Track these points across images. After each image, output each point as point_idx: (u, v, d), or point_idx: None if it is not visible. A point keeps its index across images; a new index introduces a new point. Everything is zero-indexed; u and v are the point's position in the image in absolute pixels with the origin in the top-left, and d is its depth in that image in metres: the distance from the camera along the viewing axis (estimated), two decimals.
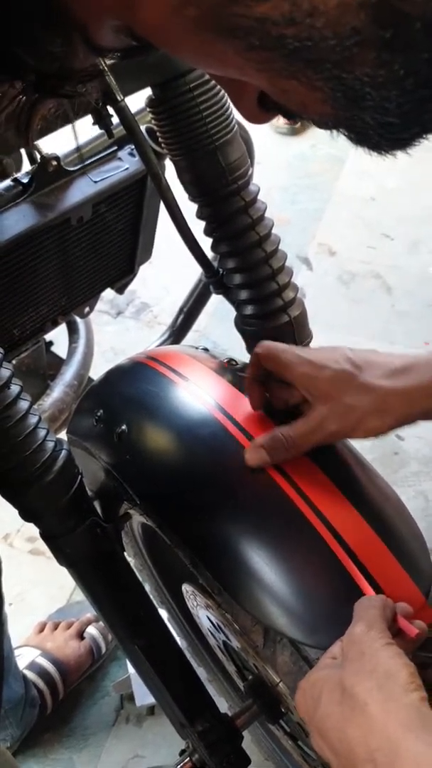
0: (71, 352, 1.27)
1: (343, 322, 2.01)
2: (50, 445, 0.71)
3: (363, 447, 1.66)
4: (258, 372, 0.70)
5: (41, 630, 1.43)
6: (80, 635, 1.41)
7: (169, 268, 2.04)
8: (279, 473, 0.68)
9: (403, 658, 0.51)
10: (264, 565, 0.64)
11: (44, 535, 0.75)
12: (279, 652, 0.69)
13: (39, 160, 0.81)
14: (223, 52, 0.37)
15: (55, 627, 1.42)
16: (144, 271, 1.15)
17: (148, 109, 0.72)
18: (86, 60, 0.43)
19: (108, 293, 1.09)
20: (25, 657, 1.36)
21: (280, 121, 2.67)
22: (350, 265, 2.19)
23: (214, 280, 0.81)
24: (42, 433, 0.71)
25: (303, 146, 2.65)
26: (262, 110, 0.42)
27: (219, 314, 1.95)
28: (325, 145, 2.65)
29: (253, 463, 0.67)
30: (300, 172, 2.55)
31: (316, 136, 2.69)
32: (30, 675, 1.32)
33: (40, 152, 0.80)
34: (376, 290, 2.11)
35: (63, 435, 0.86)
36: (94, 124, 0.68)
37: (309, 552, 0.64)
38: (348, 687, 0.50)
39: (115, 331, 2.07)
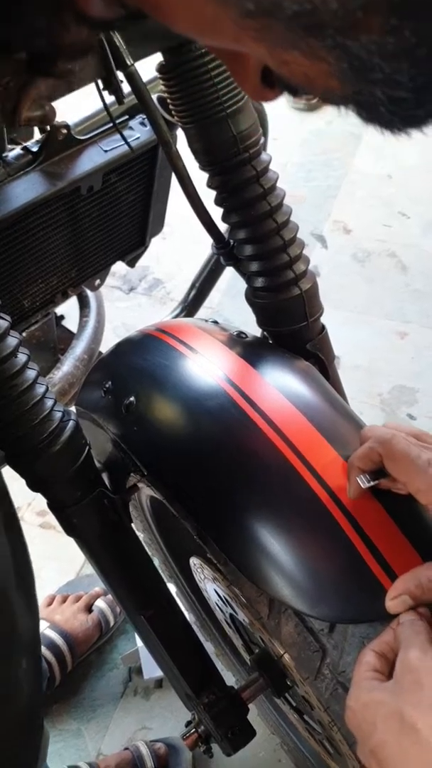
0: (82, 326, 1.26)
1: (358, 301, 1.99)
2: (57, 415, 0.71)
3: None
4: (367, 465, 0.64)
5: (50, 603, 1.44)
6: (89, 608, 1.42)
7: (182, 244, 2.04)
8: (287, 446, 0.67)
9: None
10: (269, 537, 0.64)
11: (52, 506, 0.76)
12: (284, 623, 0.69)
13: (49, 129, 0.80)
14: (217, 19, 0.34)
15: (64, 600, 1.43)
16: (157, 247, 1.14)
17: (158, 76, 0.71)
18: (77, 34, 0.42)
19: (121, 269, 1.09)
20: None
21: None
22: (365, 243, 2.17)
23: (224, 252, 0.80)
24: (49, 403, 0.71)
25: (319, 123, 2.62)
26: (266, 87, 0.40)
27: (232, 291, 1.94)
28: (341, 121, 2.59)
29: (396, 611, 0.59)
30: (316, 149, 2.52)
31: (333, 113, 2.64)
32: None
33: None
34: (391, 269, 2.08)
35: (72, 409, 0.86)
36: (104, 89, 0.67)
37: (314, 524, 0.64)
38: (408, 720, 0.50)
39: (128, 306, 2.07)
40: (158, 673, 1.35)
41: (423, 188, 2.31)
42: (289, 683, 0.88)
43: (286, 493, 0.66)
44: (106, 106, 0.69)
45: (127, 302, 2.09)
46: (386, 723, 0.51)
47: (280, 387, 0.72)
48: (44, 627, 1.38)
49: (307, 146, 2.54)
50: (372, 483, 0.63)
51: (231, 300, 1.96)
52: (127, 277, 2.12)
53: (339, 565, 0.63)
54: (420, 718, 0.50)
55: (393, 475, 0.63)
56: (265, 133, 1.10)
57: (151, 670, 1.34)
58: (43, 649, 1.34)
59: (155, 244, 1.12)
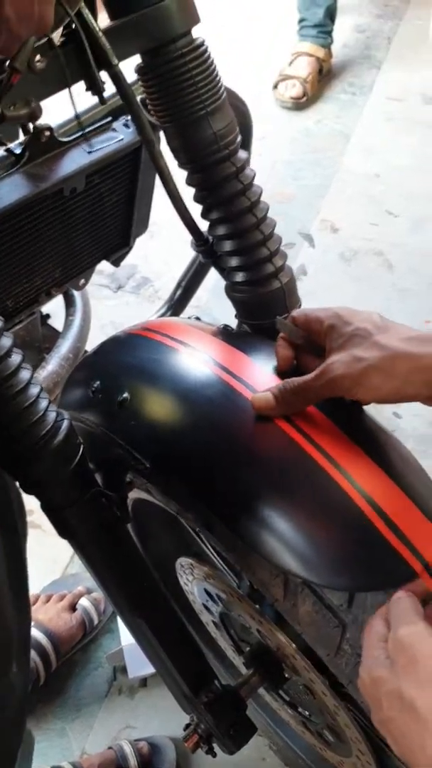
0: (67, 324, 1.26)
1: (344, 300, 1.99)
2: (52, 416, 0.70)
3: None
4: (292, 331, 0.71)
5: (34, 602, 1.44)
6: (72, 607, 1.42)
7: (169, 243, 2.04)
8: (290, 425, 0.67)
9: None
10: (281, 513, 0.64)
11: (46, 508, 0.75)
12: (300, 603, 0.68)
13: (32, 131, 0.80)
14: None
15: (48, 599, 1.43)
16: (145, 245, 1.14)
17: (137, 77, 0.71)
18: None
19: (109, 267, 1.09)
20: None
21: (285, 95, 2.64)
22: (353, 242, 2.17)
23: (203, 249, 0.81)
24: (44, 403, 0.70)
25: (308, 122, 2.63)
26: None
27: (218, 290, 1.93)
28: (330, 120, 2.63)
29: (260, 409, 0.67)
30: (305, 148, 2.53)
31: (322, 112, 2.66)
32: None
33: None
34: (377, 268, 2.09)
35: None
36: (87, 89, 0.68)
37: (325, 497, 0.64)
38: (407, 698, 0.51)
39: (115, 305, 2.07)
40: (143, 671, 1.35)
41: (411, 187, 2.32)
42: (287, 675, 0.88)
43: (295, 469, 0.66)
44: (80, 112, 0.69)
45: (115, 300, 2.09)
46: (389, 700, 0.53)
47: (272, 370, 0.73)
48: None
49: (296, 145, 2.54)
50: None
51: (218, 298, 1.96)
52: (115, 275, 2.12)
53: (352, 534, 0.63)
54: (418, 696, 0.51)
55: (302, 327, 0.71)
56: (249, 133, 1.11)
57: (136, 668, 1.35)
58: None
59: (143, 242, 1.12)
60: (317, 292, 2.02)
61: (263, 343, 0.76)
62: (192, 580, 0.96)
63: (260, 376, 0.71)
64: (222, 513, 0.67)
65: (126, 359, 0.79)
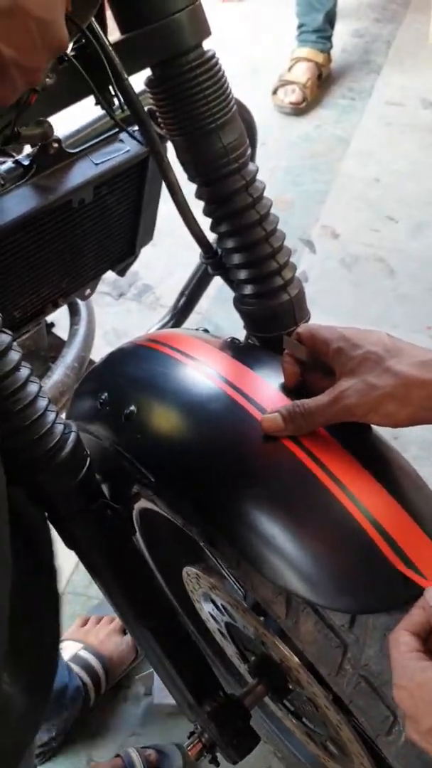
0: (72, 334, 1.26)
1: (345, 306, 2.00)
2: (60, 428, 0.71)
3: None
4: (298, 349, 0.71)
5: (83, 624, 1.43)
6: (123, 630, 1.41)
7: (171, 250, 2.04)
8: (296, 444, 0.67)
9: None
10: (284, 533, 0.64)
11: (53, 518, 0.75)
12: (302, 621, 0.68)
13: (41, 142, 0.80)
14: None
15: (98, 621, 1.42)
16: (147, 253, 1.14)
17: (147, 90, 0.71)
18: None
19: (110, 274, 1.09)
20: (68, 650, 1.37)
21: (285, 101, 2.64)
22: (353, 248, 2.18)
23: (212, 261, 0.81)
24: (51, 416, 0.71)
25: (307, 127, 2.63)
26: None
27: (221, 297, 1.94)
28: (329, 125, 2.63)
29: (269, 430, 0.67)
30: (304, 153, 2.53)
31: (321, 117, 2.67)
32: (74, 668, 1.33)
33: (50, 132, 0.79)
34: (378, 273, 2.10)
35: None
36: (96, 104, 0.68)
37: (329, 518, 0.64)
38: None
39: (117, 312, 2.07)
40: (169, 700, 1.34)
41: (411, 192, 2.33)
42: (291, 687, 0.88)
43: (298, 488, 0.66)
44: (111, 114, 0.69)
45: (117, 308, 2.09)
46: None
47: (279, 386, 0.73)
48: (78, 648, 1.37)
49: (295, 151, 2.55)
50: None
51: (220, 306, 1.97)
52: (116, 283, 2.12)
53: (355, 555, 0.63)
54: None
55: (308, 346, 0.70)
56: (253, 144, 1.11)
57: (163, 695, 1.33)
58: (79, 670, 1.33)
59: (144, 249, 1.12)
60: (319, 299, 2.02)
61: (270, 358, 0.76)
62: (198, 590, 0.96)
63: (267, 392, 0.71)
64: (225, 531, 0.67)
65: (133, 372, 0.79)
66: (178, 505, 0.72)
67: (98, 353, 0.95)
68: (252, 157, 1.14)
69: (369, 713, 0.65)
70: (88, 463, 0.72)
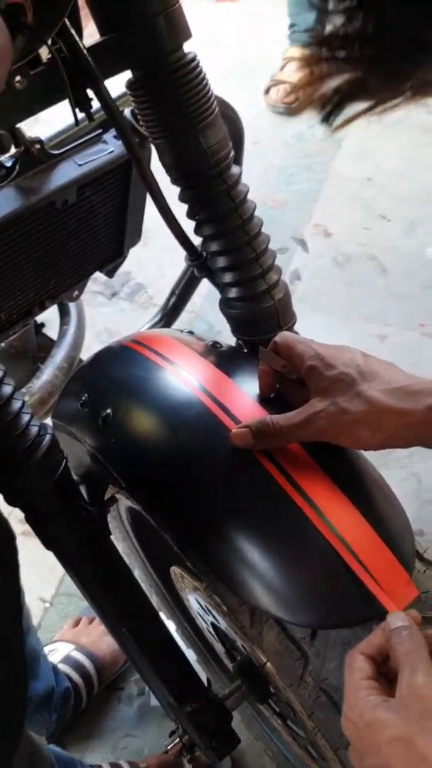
0: (62, 334, 1.26)
1: (338, 305, 2.01)
2: (34, 430, 0.71)
3: None
4: (273, 360, 0.70)
5: (76, 624, 1.43)
6: None
7: (164, 249, 2.03)
8: (267, 458, 0.68)
9: None
10: (248, 545, 0.65)
11: (30, 520, 0.76)
12: (265, 632, 0.70)
13: (22, 144, 0.80)
14: None
15: (90, 622, 1.42)
16: (139, 252, 1.14)
17: (127, 92, 0.71)
18: None
19: (103, 275, 1.09)
20: (60, 651, 1.37)
21: (277, 100, 2.64)
22: (346, 246, 2.18)
23: (198, 263, 0.81)
24: (26, 418, 0.71)
25: (300, 126, 2.63)
26: None
27: (213, 296, 1.93)
28: (322, 125, 2.62)
29: (238, 444, 0.67)
30: (297, 152, 2.53)
31: (314, 116, 2.66)
32: (65, 669, 1.33)
33: (23, 136, 0.79)
34: (371, 272, 2.10)
35: (49, 421, 0.86)
36: (72, 107, 0.68)
37: (294, 532, 0.65)
38: (420, 749, 0.50)
39: (110, 312, 2.07)
40: None
41: (403, 190, 2.33)
42: (272, 690, 0.89)
43: (265, 502, 0.66)
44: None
45: (110, 307, 2.09)
46: (392, 747, 0.52)
47: (255, 396, 0.73)
48: (71, 649, 1.37)
49: (288, 150, 2.55)
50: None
51: (212, 305, 1.96)
52: (109, 282, 2.12)
53: (320, 571, 0.63)
54: None
55: (284, 358, 0.69)
56: (241, 144, 1.11)
57: None
58: (70, 671, 1.33)
59: (137, 249, 1.12)
60: (311, 297, 2.02)
61: (250, 366, 0.76)
62: (184, 589, 0.96)
63: (243, 402, 0.72)
64: (191, 540, 0.68)
65: (113, 374, 0.79)
66: (149, 511, 0.72)
67: (89, 353, 0.95)
68: (239, 158, 1.15)
69: (328, 726, 0.66)
70: (64, 465, 0.72)
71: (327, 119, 0.49)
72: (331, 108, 0.48)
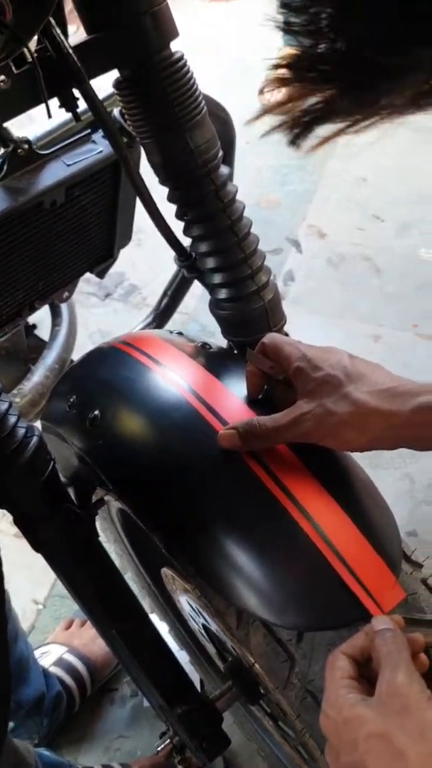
0: (53, 335, 1.26)
1: (332, 305, 2.01)
2: (21, 432, 0.71)
3: None
4: (261, 362, 0.70)
5: (68, 626, 1.42)
6: None
7: (157, 250, 2.03)
8: (254, 460, 0.67)
9: None
10: (235, 548, 0.65)
11: (18, 522, 0.75)
12: (252, 633, 0.70)
13: (10, 144, 0.80)
14: None
15: (82, 624, 1.42)
16: (133, 253, 1.14)
17: (115, 92, 0.71)
18: None
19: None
20: (52, 654, 1.36)
21: (271, 100, 2.64)
22: (340, 247, 2.18)
23: (187, 264, 0.81)
24: (12, 419, 0.71)
25: None
26: None
27: (207, 297, 1.94)
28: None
29: (225, 445, 0.67)
30: (291, 153, 2.50)
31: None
32: (58, 672, 1.32)
33: (11, 136, 0.79)
34: (365, 272, 2.10)
35: (38, 423, 0.86)
36: (60, 107, 0.67)
37: (280, 534, 0.65)
38: (397, 744, 0.51)
39: (103, 313, 2.07)
40: None
41: (397, 191, 2.33)
42: (262, 691, 0.89)
43: (251, 503, 0.66)
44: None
45: (103, 308, 2.09)
46: (369, 743, 0.52)
47: (243, 397, 0.73)
48: (63, 652, 1.36)
49: (282, 150, 2.53)
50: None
51: (206, 306, 1.95)
52: (102, 283, 2.12)
53: (306, 573, 0.63)
54: (410, 745, 0.50)
55: (272, 359, 0.69)
56: (232, 144, 1.11)
57: None
58: (63, 674, 1.33)
59: (130, 250, 1.12)
60: (305, 298, 2.02)
61: (238, 367, 0.76)
62: (175, 590, 0.96)
63: (231, 404, 0.71)
64: (179, 544, 0.68)
65: (101, 375, 0.79)
66: (137, 513, 0.72)
67: (82, 353, 0.95)
68: (231, 158, 1.15)
69: (315, 727, 0.66)
70: (51, 467, 0.72)
71: (294, 142, 0.48)
72: (299, 131, 0.47)
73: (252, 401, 0.72)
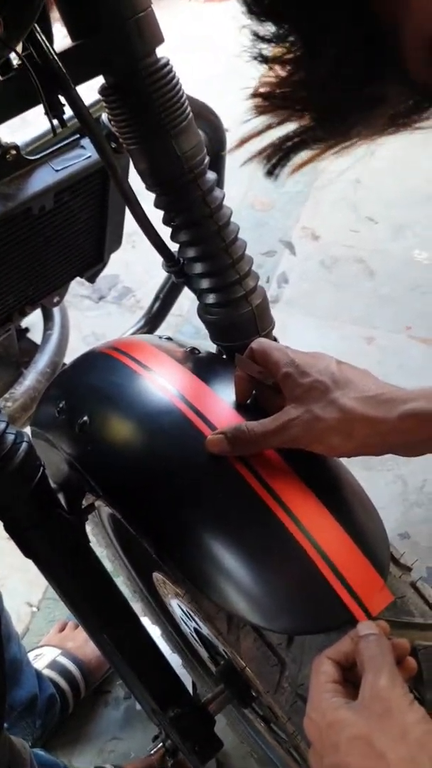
0: (45, 339, 1.26)
1: (326, 307, 2.01)
2: (10, 438, 0.71)
3: None
4: (249, 367, 0.70)
5: (61, 629, 1.42)
6: None
7: (151, 252, 2.03)
8: (244, 465, 0.68)
9: (429, 724, 0.52)
10: (224, 552, 0.65)
11: (7, 528, 0.75)
12: (242, 638, 0.70)
13: None
14: None
15: (76, 627, 1.41)
16: (126, 255, 1.14)
17: (101, 98, 0.71)
18: None
19: None
20: (46, 656, 1.36)
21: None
22: (333, 249, 2.18)
23: (175, 270, 0.81)
24: (1, 426, 0.71)
25: (288, 127, 2.62)
26: None
27: None
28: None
29: (213, 450, 0.67)
30: None
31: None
32: (51, 674, 1.32)
33: None
34: (358, 274, 2.10)
35: (27, 429, 0.86)
36: (46, 113, 0.67)
37: (269, 539, 0.65)
38: (378, 746, 0.51)
39: (97, 315, 2.07)
40: None
41: (391, 192, 2.33)
42: (254, 694, 0.89)
43: (240, 508, 0.66)
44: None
45: (97, 311, 2.09)
46: (351, 745, 0.52)
47: (232, 402, 0.73)
48: (56, 654, 1.36)
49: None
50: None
51: None
52: (96, 285, 2.12)
53: (295, 577, 0.64)
54: (390, 747, 0.51)
55: (260, 364, 0.69)
56: (222, 149, 1.11)
57: None
58: (57, 677, 1.33)
59: (124, 252, 1.11)
60: (299, 300, 2.02)
61: (227, 372, 0.76)
62: (166, 594, 0.96)
63: (219, 409, 0.71)
64: (168, 549, 0.68)
65: (90, 381, 0.79)
66: (127, 518, 0.72)
67: (75, 357, 0.95)
68: (220, 160, 1.15)
69: (304, 732, 0.66)
70: (41, 473, 0.72)
71: (271, 173, 0.49)
72: (276, 160, 0.48)
73: (240, 406, 0.72)
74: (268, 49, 0.41)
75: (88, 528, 0.85)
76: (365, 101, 0.41)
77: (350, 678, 0.58)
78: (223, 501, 0.67)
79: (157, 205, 0.76)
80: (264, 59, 0.42)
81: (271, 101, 0.44)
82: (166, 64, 0.71)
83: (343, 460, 0.72)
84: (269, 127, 0.45)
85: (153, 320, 1.34)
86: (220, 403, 0.73)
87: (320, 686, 0.57)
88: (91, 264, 1.05)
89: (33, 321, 1.33)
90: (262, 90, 0.44)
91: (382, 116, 0.43)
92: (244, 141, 0.48)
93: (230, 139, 1.19)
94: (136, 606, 1.21)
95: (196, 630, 0.97)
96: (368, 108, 0.42)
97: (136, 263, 2.11)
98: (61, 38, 0.69)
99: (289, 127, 0.45)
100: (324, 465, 0.70)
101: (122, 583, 1.21)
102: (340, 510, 0.66)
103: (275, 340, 0.86)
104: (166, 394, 0.73)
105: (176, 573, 0.71)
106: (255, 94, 0.44)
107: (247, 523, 0.66)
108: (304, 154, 0.47)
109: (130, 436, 0.73)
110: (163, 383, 0.74)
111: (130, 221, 1.06)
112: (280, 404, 0.67)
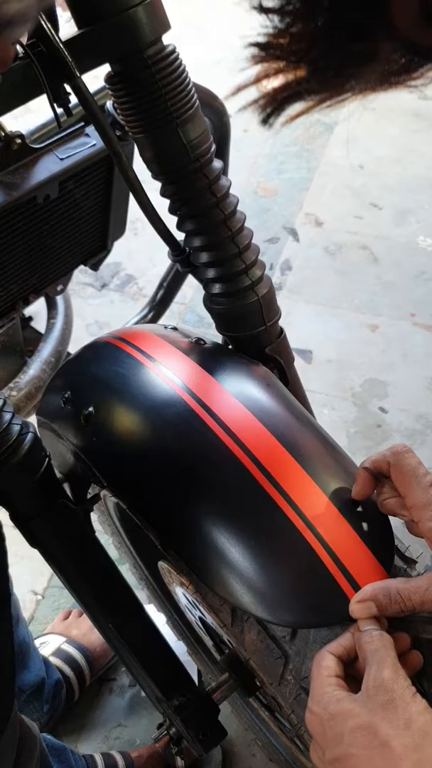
0: (49, 328, 1.26)
1: (329, 294, 2.00)
2: (16, 428, 0.71)
3: (346, 420, 1.66)
4: (377, 468, 0.66)
5: (66, 617, 1.43)
6: None
7: (154, 240, 2.02)
8: (248, 458, 0.67)
9: None
10: (229, 545, 0.65)
11: (14, 517, 0.76)
12: (246, 630, 0.70)
13: (3, 139, 0.80)
14: None
15: (81, 614, 1.42)
16: (129, 243, 1.13)
17: (107, 86, 0.70)
18: None
19: None
20: (51, 644, 1.37)
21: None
22: (337, 235, 2.17)
23: (181, 259, 0.80)
24: (7, 416, 0.71)
25: (290, 113, 2.61)
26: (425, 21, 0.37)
27: None
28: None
29: (359, 616, 0.60)
30: (287, 140, 2.51)
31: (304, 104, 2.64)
32: (57, 662, 1.33)
33: (3, 130, 0.78)
34: (362, 261, 2.09)
35: (33, 419, 0.86)
36: (50, 103, 0.67)
37: (274, 532, 0.65)
38: (382, 736, 0.51)
39: (100, 303, 2.06)
40: None
41: (395, 178, 2.32)
42: (258, 683, 0.89)
43: (244, 501, 0.66)
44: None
45: (100, 299, 2.08)
46: (355, 735, 0.52)
47: (237, 394, 0.73)
48: (61, 642, 1.37)
49: (279, 137, 2.53)
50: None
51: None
52: (99, 273, 2.11)
53: (299, 570, 0.64)
54: (394, 736, 0.51)
55: (396, 484, 0.64)
56: (227, 135, 1.10)
57: None
58: (62, 664, 1.34)
59: (127, 240, 1.11)
60: (302, 287, 2.02)
61: (234, 363, 0.76)
62: (171, 583, 0.96)
63: (224, 401, 0.71)
64: (172, 540, 0.68)
65: (96, 371, 0.79)
66: (132, 509, 0.72)
67: (79, 346, 0.95)
68: (225, 148, 1.14)
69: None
70: (47, 463, 0.72)
71: (266, 121, 0.48)
72: (270, 110, 0.47)
73: (243, 395, 0.71)
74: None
75: (94, 516, 0.85)
76: (358, 56, 0.42)
77: (351, 673, 0.58)
78: (228, 494, 0.67)
79: (163, 193, 0.76)
80: (262, 9, 0.42)
81: (268, 51, 0.44)
82: (173, 51, 0.70)
83: (350, 444, 0.71)
84: (266, 76, 0.45)
85: (157, 308, 1.34)
86: (225, 395, 0.72)
87: (322, 680, 0.57)
88: (95, 252, 1.05)
89: (36, 309, 1.32)
90: (259, 40, 0.43)
91: (375, 72, 0.43)
92: (240, 89, 0.48)
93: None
94: (142, 593, 1.21)
95: (200, 619, 0.97)
96: (361, 63, 0.42)
97: (138, 251, 2.10)
98: (64, 24, 0.68)
99: (285, 77, 0.45)
100: (330, 459, 0.70)
101: (128, 571, 1.21)
102: (345, 504, 0.66)
103: (281, 330, 0.85)
104: (171, 385, 0.72)
105: (181, 565, 0.71)
106: (252, 44, 0.44)
107: (251, 516, 0.66)
108: (298, 106, 0.47)
109: (135, 427, 0.73)
110: (168, 374, 0.74)
111: (132, 208, 1.06)
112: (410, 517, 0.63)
